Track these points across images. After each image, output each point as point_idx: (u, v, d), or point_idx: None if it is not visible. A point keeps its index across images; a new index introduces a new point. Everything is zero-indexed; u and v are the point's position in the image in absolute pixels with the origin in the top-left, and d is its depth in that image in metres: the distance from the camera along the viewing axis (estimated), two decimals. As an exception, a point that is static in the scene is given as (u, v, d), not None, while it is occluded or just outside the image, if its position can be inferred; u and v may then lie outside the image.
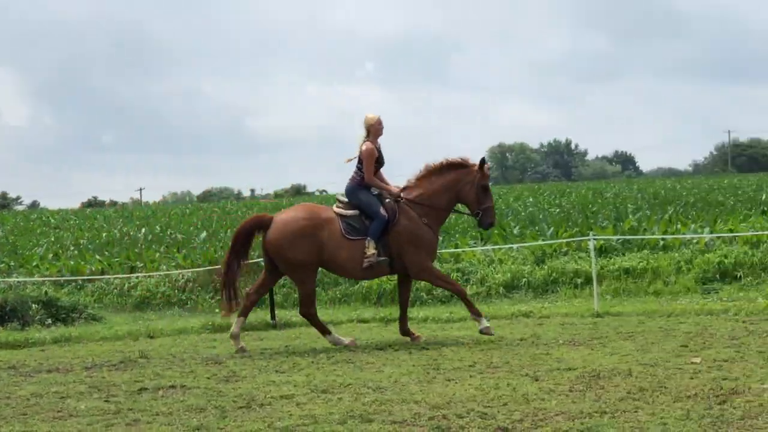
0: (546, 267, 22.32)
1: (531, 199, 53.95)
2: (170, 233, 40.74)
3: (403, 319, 15.11)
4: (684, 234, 24.24)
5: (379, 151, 14.96)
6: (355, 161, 14.90)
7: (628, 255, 22.42)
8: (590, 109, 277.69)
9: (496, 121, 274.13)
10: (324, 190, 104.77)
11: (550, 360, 12.17)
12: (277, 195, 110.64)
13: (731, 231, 23.37)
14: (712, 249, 21.64)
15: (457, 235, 28.53)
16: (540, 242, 24.27)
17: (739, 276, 19.92)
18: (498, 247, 24.41)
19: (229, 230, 36.36)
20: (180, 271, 25.64)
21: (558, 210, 41.74)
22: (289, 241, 14.49)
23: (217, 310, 21.07)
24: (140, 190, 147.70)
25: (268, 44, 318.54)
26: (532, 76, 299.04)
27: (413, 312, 18.68)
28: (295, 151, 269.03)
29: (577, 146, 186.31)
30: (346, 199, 14.92)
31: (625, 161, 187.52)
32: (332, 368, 12.42)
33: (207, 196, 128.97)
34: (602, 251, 23.05)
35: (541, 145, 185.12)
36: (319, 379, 11.48)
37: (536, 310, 18.20)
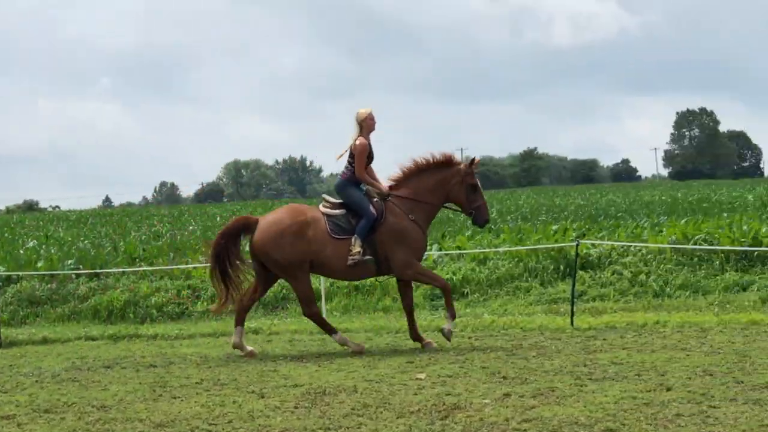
0: (278, 284, 22.30)
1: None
2: None
3: (411, 326, 14.87)
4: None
5: (370, 147, 14.78)
6: (347, 156, 14.71)
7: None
8: (325, 126, 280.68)
9: (231, 138, 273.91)
10: (57, 206, 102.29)
11: (277, 377, 12.21)
12: (9, 210, 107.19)
13: (459, 248, 23.93)
14: (440, 265, 22.11)
15: (188, 252, 28.23)
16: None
17: (466, 292, 20.42)
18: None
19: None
20: None
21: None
22: (274, 241, 14.32)
23: None
24: None
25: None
26: (267, 93, 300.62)
27: (143, 329, 18.52)
28: (27, 166, 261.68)
29: (312, 163, 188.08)
30: (331, 199, 14.82)
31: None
32: (57, 387, 12.11)
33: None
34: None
35: (277, 162, 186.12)
36: (42, 399, 11.18)
37: (266, 327, 18.20)
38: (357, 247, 14.22)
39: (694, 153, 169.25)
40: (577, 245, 18.07)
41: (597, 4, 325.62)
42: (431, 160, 14.78)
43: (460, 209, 15.05)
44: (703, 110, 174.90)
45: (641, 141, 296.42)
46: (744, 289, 18.77)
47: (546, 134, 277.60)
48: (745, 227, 22.93)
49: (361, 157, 14.50)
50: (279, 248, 14.28)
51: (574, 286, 17.29)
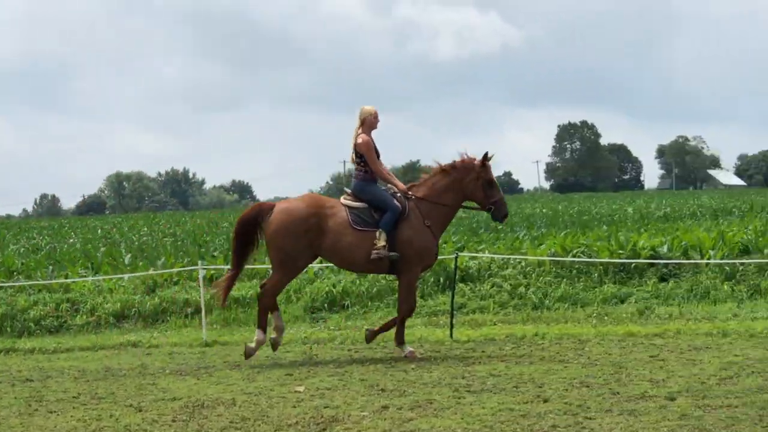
0: (157, 297, 22.10)
1: (146, 229, 53.53)
2: None
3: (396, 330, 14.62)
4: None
5: (374, 143, 14.52)
6: (353, 156, 14.50)
7: (238, 284, 22.53)
8: (207, 138, 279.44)
9: (113, 150, 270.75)
10: None
11: (155, 390, 12.10)
12: None
13: (341, 261, 23.93)
14: (321, 278, 22.08)
15: (67, 265, 27.83)
16: (151, 272, 24.06)
17: (346, 305, 20.42)
18: (108, 276, 24.02)
19: None
20: None
21: (172, 239, 41.57)
22: (289, 226, 14.15)
23: None
24: None
25: None
26: (150, 104, 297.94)
27: (20, 343, 18.33)
28: None
29: (194, 175, 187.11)
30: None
31: (242, 190, 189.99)
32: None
33: None
34: (213, 280, 23.05)
35: (159, 174, 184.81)
36: None
37: (145, 340, 18.01)
38: (382, 241, 14.00)
39: (576, 166, 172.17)
40: (456, 258, 18.19)
41: (480, 18, 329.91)
42: (452, 163, 14.60)
43: (478, 207, 14.82)
44: (584, 123, 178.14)
45: (523, 154, 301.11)
46: (622, 301, 19.06)
47: (429, 147, 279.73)
48: (623, 240, 23.32)
49: (371, 152, 14.30)
50: (289, 235, 14.11)
51: (453, 298, 17.40)
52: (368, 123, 14.45)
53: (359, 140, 14.33)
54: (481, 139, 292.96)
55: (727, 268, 19.88)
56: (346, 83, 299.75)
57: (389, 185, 14.53)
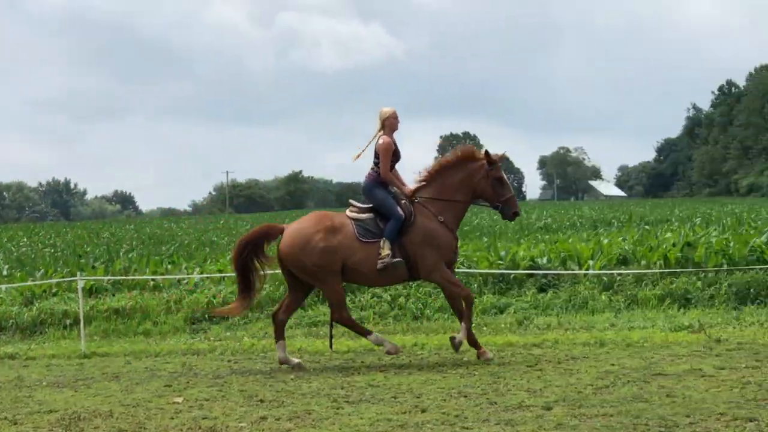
0: (35, 308, 21.76)
1: (26, 239, 52.70)
2: None
3: (466, 329, 14.17)
4: (174, 274, 24.48)
5: (396, 146, 14.33)
6: (371, 156, 14.30)
7: (119, 295, 22.34)
8: (89, 148, 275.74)
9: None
10: None
11: (31, 402, 11.91)
12: None
13: (220, 271, 23.84)
14: (201, 289, 21.96)
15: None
16: (29, 283, 23.71)
17: (227, 315, 20.28)
18: (-16, 288, 23.58)
19: None
20: None
21: (52, 250, 40.99)
22: (301, 247, 13.95)
23: None
24: None
25: None
26: (28, 115, 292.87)
27: None
28: None
29: (76, 186, 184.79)
30: (358, 204, 14.38)
31: (124, 201, 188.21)
32: None
33: None
34: (93, 292, 22.85)
35: (40, 185, 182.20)
36: None
37: (22, 352, 17.70)
38: (386, 250, 13.83)
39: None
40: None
41: (363, 28, 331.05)
42: (454, 157, 14.41)
43: (488, 204, 14.67)
44: (466, 134, 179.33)
45: (407, 164, 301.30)
46: (501, 312, 19.25)
47: (311, 157, 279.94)
48: (503, 251, 23.54)
49: (387, 156, 14.14)
50: (307, 254, 13.91)
51: (333, 309, 17.36)
52: (389, 125, 14.31)
53: (380, 141, 14.20)
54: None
55: (605, 278, 20.23)
56: (229, 94, 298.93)
57: (396, 190, 14.38)
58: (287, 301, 14.62)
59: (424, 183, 14.42)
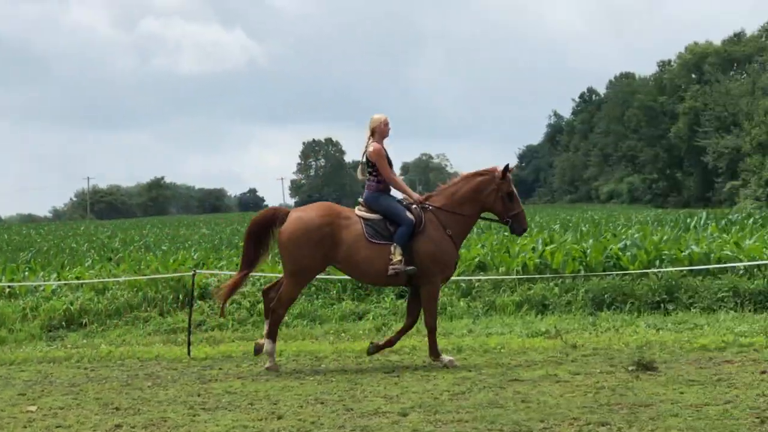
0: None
1: None
2: None
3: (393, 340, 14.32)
4: (31, 281, 24.08)
5: (386, 152, 14.00)
6: (365, 167, 13.98)
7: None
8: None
9: None
10: None
11: None
12: None
13: (78, 278, 23.52)
14: (58, 296, 21.64)
15: None
16: None
17: (84, 323, 20.02)
18: None
19: None
20: None
21: None
22: (302, 236, 13.63)
23: None
24: None
25: None
26: None
27: None
28: None
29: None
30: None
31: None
32: None
33: None
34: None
35: None
36: None
37: None
38: (398, 256, 13.49)
39: (320, 183, 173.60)
40: (194, 275, 18.11)
41: (225, 34, 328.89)
42: (471, 173, 14.25)
43: (497, 219, 14.39)
44: (329, 140, 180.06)
45: (268, 171, 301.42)
46: (360, 318, 19.32)
47: (174, 163, 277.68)
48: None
49: (383, 161, 13.85)
50: (304, 245, 13.61)
51: (191, 315, 17.28)
52: (379, 132, 14.08)
53: (371, 149, 13.92)
54: (226, 155, 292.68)
55: (463, 284, 20.43)
56: (91, 99, 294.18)
57: (404, 196, 14.18)
58: (281, 281, 14.32)
59: (434, 193, 14.29)
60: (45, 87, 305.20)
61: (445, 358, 13.78)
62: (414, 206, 13.90)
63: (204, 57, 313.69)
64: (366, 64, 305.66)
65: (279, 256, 14.90)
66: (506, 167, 14.11)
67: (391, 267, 13.54)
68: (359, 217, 13.89)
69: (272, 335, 14.13)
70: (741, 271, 19.40)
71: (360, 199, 14.27)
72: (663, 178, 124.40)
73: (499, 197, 14.03)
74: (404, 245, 13.58)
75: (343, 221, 13.77)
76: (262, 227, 14.25)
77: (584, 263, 20.88)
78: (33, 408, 11.42)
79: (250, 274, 14.88)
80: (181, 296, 20.55)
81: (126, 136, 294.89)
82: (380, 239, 13.67)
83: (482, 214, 14.57)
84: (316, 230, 13.64)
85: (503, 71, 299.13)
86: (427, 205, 13.99)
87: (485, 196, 14.04)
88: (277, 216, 14.18)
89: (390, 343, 14.44)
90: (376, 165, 13.91)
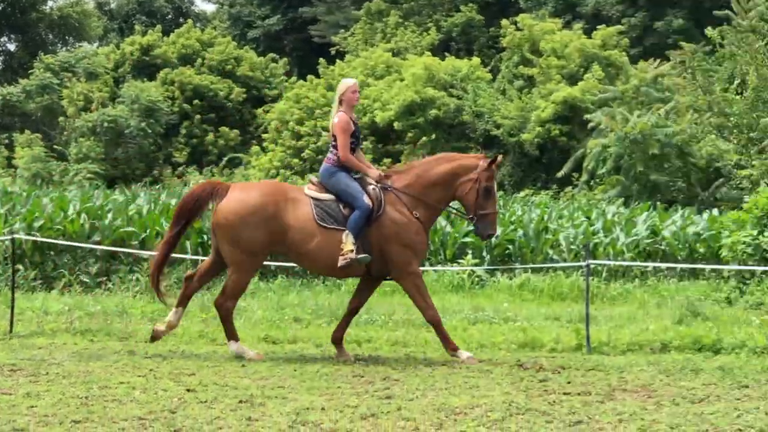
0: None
1: None
2: None
3: (342, 327, 12.30)
4: None
5: (356, 124, 12.19)
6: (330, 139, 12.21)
7: None
8: None
9: None
10: None
11: None
12: None
13: None
14: None
15: None
16: None
17: None
18: None
19: None
20: None
21: None
22: (242, 217, 11.61)
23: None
24: None
25: None
26: None
27: None
28: None
29: None
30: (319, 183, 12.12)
31: None
32: None
33: None
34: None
35: None
36: None
37: None
38: (349, 245, 11.58)
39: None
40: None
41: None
42: (449, 154, 12.81)
43: (463, 214, 12.61)
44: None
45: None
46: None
47: None
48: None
49: (344, 135, 11.89)
50: (245, 227, 11.64)
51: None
52: (347, 100, 12.08)
53: (336, 120, 12.00)
54: None
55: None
56: None
57: (363, 175, 12.13)
58: (205, 267, 12.39)
59: (401, 170, 12.54)
60: None
61: (464, 354, 11.90)
62: (372, 187, 11.94)
63: None
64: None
65: (210, 238, 13.13)
66: (495, 158, 12.32)
67: (341, 257, 11.63)
68: (308, 197, 11.98)
69: (232, 335, 12.14)
70: None
71: (310, 176, 13.05)
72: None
73: (475, 189, 11.99)
74: (357, 233, 11.69)
75: (290, 201, 11.87)
76: (196, 204, 12.25)
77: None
78: None
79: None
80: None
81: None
82: (333, 223, 11.77)
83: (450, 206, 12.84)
84: (260, 209, 11.72)
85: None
86: (387, 186, 12.04)
87: (460, 183, 12.05)
88: (216, 191, 12.11)
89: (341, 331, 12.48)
90: (338, 138, 12.02)
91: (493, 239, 14.70)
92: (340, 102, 12.09)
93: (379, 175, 12.07)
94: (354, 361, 11.79)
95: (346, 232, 11.62)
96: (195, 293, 12.66)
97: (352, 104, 12.21)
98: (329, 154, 12.10)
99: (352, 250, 11.56)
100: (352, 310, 12.38)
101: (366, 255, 11.62)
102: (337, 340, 12.18)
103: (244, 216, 11.65)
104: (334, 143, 12.03)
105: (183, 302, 12.23)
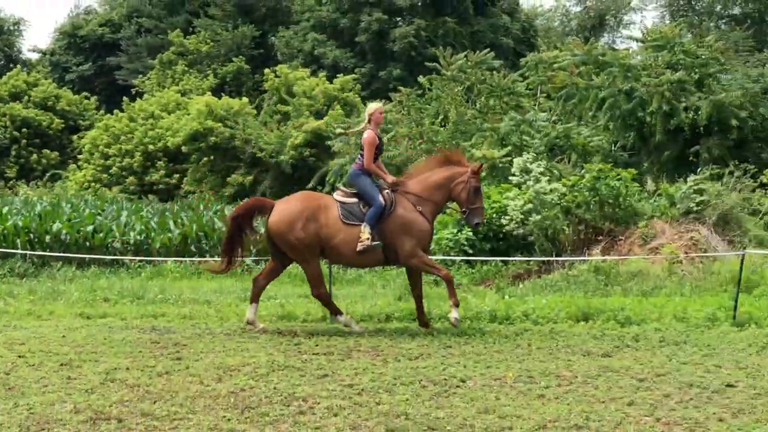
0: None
1: None
2: None
3: (419, 312, 12.43)
4: None
5: (380, 140, 12.63)
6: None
7: None
8: None
9: None
10: None
11: None
12: None
13: None
14: None
15: None
16: None
17: None
18: None
19: None
20: None
21: None
22: (288, 223, 11.97)
23: None
24: None
25: None
26: None
27: None
28: None
29: None
30: (346, 189, 12.54)
31: None
32: None
33: None
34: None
35: None
36: None
37: None
38: (366, 234, 11.97)
39: None
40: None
41: None
42: (444, 156, 12.82)
43: (457, 208, 12.79)
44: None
45: None
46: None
47: None
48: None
49: (370, 150, 12.36)
50: (292, 229, 12.01)
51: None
52: (375, 120, 12.54)
53: (365, 135, 12.43)
54: None
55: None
56: None
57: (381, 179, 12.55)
58: (269, 268, 12.74)
59: (409, 176, 12.90)
60: None
61: (454, 312, 12.18)
62: (386, 191, 12.38)
63: None
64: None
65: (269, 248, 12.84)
66: (480, 166, 12.83)
67: (359, 243, 12.04)
68: (336, 201, 12.45)
69: (337, 311, 12.52)
70: None
71: (338, 184, 13.30)
72: None
73: (466, 189, 12.47)
74: (373, 225, 12.10)
75: (321, 206, 12.31)
76: (245, 215, 12.61)
77: None
78: None
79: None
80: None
81: None
82: (354, 220, 12.19)
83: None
84: (299, 213, 12.10)
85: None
86: (398, 189, 12.46)
87: (455, 185, 12.53)
88: (263, 207, 12.61)
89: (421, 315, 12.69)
90: (364, 150, 12.52)
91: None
92: (369, 120, 12.55)
93: (393, 180, 12.58)
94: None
95: (364, 223, 12.07)
96: (263, 289, 12.77)
97: (379, 123, 12.71)
98: (357, 160, 12.63)
99: (368, 238, 12.01)
100: (417, 297, 12.57)
101: (379, 242, 12.06)
102: (424, 324, 12.45)
103: (289, 222, 12.09)
104: (361, 152, 12.54)
105: (255, 299, 12.49)
